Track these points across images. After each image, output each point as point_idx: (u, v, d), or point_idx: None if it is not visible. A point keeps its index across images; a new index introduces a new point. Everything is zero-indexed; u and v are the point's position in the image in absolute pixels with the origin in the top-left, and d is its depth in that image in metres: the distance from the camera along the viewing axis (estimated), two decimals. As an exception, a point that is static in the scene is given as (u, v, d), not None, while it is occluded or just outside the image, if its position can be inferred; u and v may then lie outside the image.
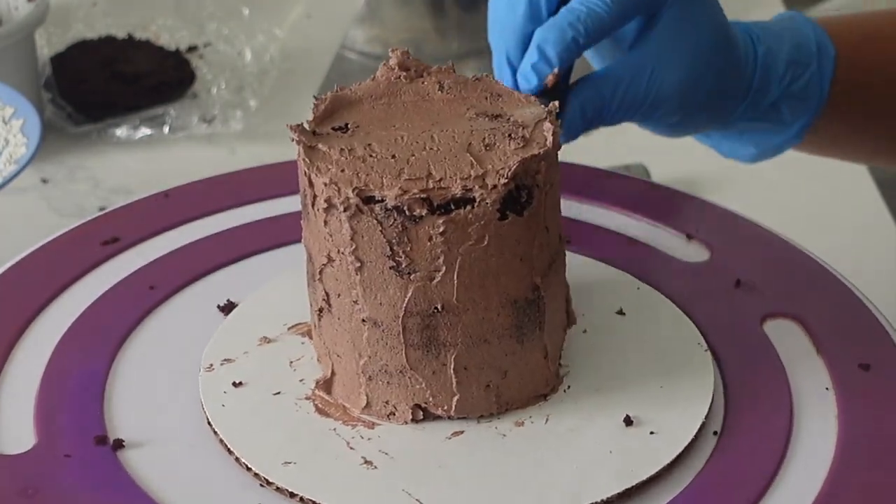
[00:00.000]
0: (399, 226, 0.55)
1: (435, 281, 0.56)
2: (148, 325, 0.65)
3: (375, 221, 0.55)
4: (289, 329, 0.64)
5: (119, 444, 0.57)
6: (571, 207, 0.73)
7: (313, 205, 0.57)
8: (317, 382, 0.60)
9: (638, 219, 0.73)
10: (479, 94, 0.62)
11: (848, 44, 0.76)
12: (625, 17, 0.69)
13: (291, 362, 0.62)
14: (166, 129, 1.12)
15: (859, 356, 0.62)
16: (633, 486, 0.55)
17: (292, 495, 0.55)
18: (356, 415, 0.59)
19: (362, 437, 0.58)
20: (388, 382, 0.58)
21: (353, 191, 0.55)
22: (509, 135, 0.58)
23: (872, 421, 0.59)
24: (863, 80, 0.77)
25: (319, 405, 0.60)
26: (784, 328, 0.65)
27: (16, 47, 1.07)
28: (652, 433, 0.58)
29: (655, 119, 0.71)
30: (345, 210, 0.55)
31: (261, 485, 0.56)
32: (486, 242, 0.56)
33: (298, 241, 0.62)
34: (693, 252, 0.71)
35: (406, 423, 0.58)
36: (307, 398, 0.60)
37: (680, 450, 0.57)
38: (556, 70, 0.67)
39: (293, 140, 0.58)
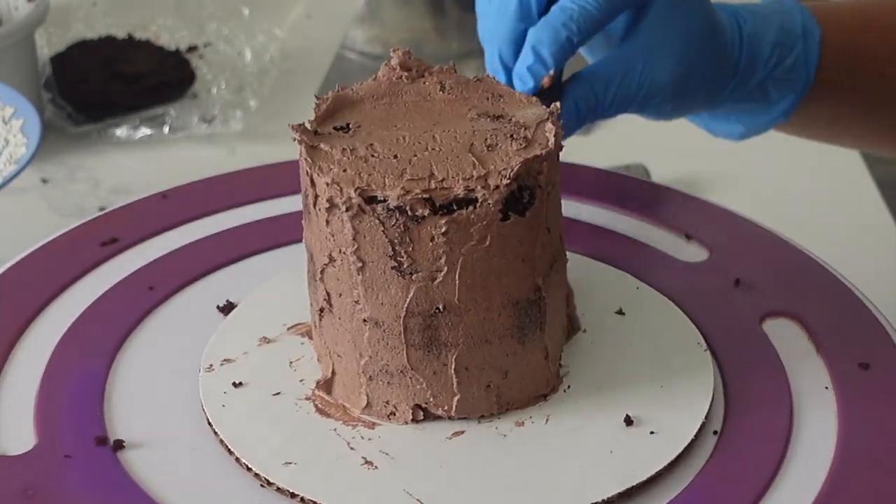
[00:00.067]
0: (401, 226, 0.55)
1: (437, 281, 0.56)
2: (147, 326, 0.65)
3: (377, 221, 0.55)
4: (288, 329, 0.64)
5: (119, 445, 0.57)
6: (571, 207, 0.73)
7: (315, 205, 0.57)
8: (317, 383, 0.60)
9: (638, 219, 0.73)
10: (480, 94, 0.62)
11: (837, 29, 0.77)
12: (615, 12, 0.69)
13: (291, 362, 0.62)
14: (166, 129, 1.12)
15: (859, 355, 0.62)
16: (634, 486, 0.55)
17: (293, 496, 0.55)
18: (356, 415, 0.59)
19: (363, 438, 0.58)
20: (388, 382, 0.58)
21: (356, 191, 0.55)
22: (511, 135, 0.58)
23: (872, 420, 0.59)
24: (850, 65, 0.78)
25: (320, 405, 0.60)
26: (783, 327, 0.65)
27: (16, 47, 1.07)
28: (652, 433, 0.58)
29: (649, 108, 0.72)
30: (347, 210, 0.55)
31: (261, 485, 0.56)
32: (488, 243, 0.56)
33: (298, 241, 0.62)
34: (692, 252, 0.71)
35: (406, 423, 0.58)
36: (307, 398, 0.60)
37: (681, 449, 0.57)
38: (551, 72, 0.67)
39: (295, 140, 0.58)
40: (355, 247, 0.56)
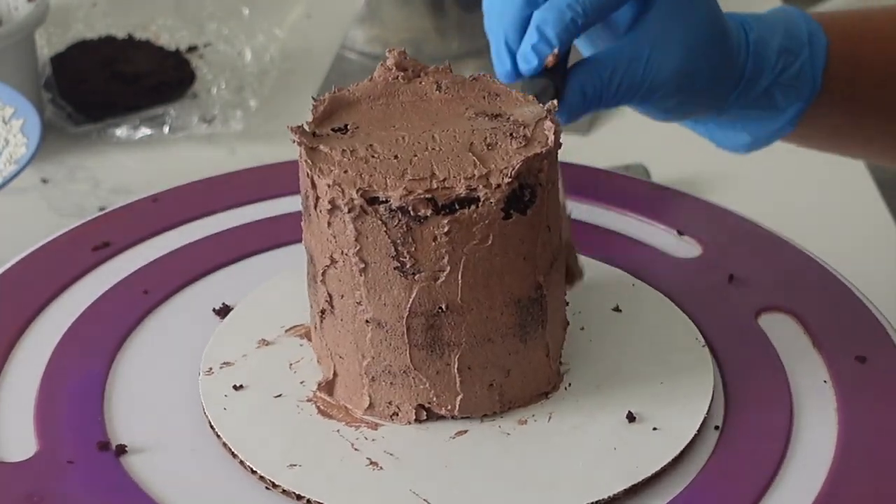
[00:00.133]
0: (404, 226, 0.55)
1: (439, 281, 0.56)
2: (145, 329, 0.65)
3: (380, 222, 0.55)
4: (286, 331, 0.64)
5: (122, 450, 0.57)
6: (571, 207, 0.73)
7: (316, 206, 0.57)
8: (318, 384, 0.60)
9: (630, 216, 0.74)
10: (476, 93, 0.62)
11: (842, 38, 0.77)
12: None
13: (291, 364, 0.62)
14: (166, 129, 1.12)
15: (855, 348, 0.63)
16: (638, 483, 0.55)
17: (299, 498, 0.55)
18: (359, 416, 0.59)
19: (366, 438, 0.58)
20: (391, 383, 0.58)
21: (358, 192, 0.55)
22: (510, 134, 0.58)
23: (871, 413, 0.59)
24: (855, 75, 0.78)
25: (321, 407, 0.60)
26: (779, 322, 0.65)
27: (16, 47, 1.07)
28: (655, 429, 0.58)
29: (653, 102, 0.72)
30: (349, 211, 0.55)
31: (266, 488, 0.56)
32: (490, 242, 0.56)
33: (296, 241, 0.61)
34: (685, 248, 0.71)
35: (409, 423, 0.58)
36: (309, 400, 0.60)
37: (683, 445, 0.57)
38: (555, 50, 0.67)
39: (294, 142, 0.58)
40: (357, 248, 0.56)
